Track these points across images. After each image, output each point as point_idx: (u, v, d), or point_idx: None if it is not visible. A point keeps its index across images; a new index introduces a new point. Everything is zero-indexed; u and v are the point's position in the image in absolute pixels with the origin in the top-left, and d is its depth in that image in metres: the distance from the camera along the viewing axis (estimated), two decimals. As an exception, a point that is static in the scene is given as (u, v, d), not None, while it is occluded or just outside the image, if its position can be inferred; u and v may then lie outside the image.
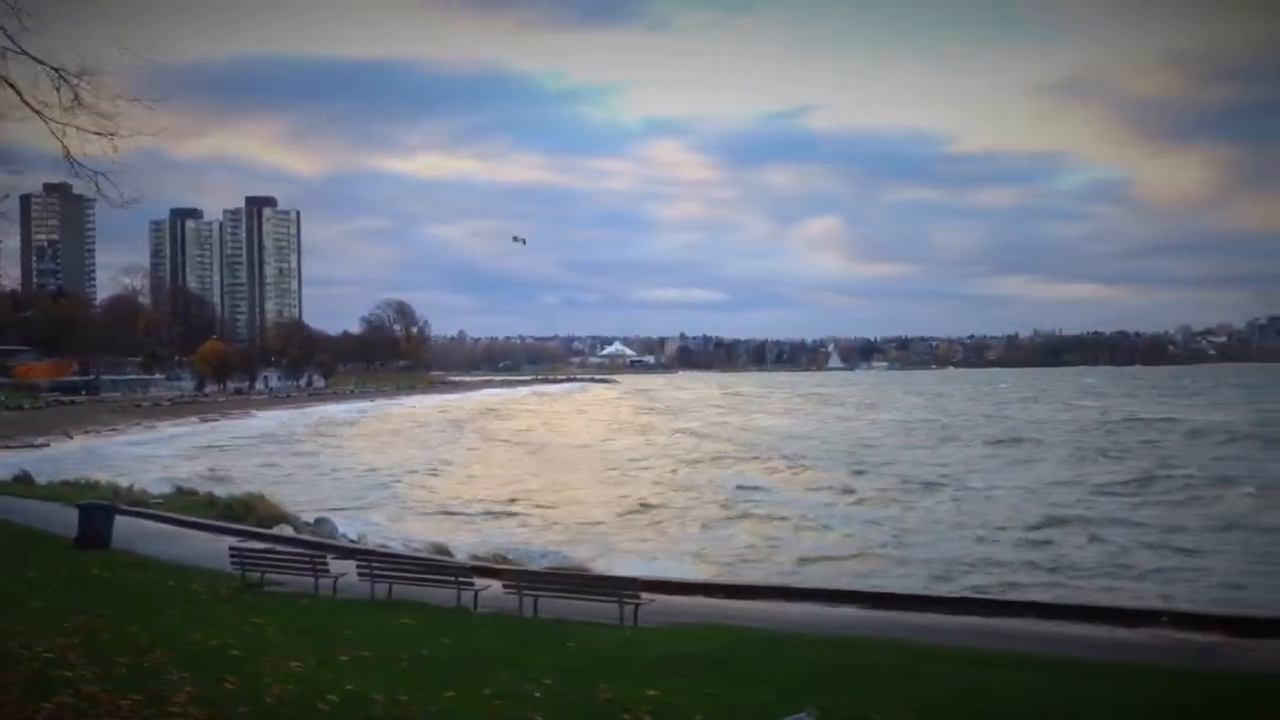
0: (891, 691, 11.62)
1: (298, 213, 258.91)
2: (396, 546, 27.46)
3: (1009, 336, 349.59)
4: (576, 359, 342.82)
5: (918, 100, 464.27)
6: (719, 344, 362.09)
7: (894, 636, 15.75)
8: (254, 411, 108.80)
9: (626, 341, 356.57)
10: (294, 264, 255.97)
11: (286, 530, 28.39)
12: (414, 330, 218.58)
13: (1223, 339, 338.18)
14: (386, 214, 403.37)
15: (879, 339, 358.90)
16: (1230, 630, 16.52)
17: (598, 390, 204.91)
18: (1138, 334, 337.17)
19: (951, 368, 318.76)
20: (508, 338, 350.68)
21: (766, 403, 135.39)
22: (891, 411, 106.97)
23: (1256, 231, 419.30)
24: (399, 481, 48.48)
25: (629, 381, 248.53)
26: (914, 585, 23.81)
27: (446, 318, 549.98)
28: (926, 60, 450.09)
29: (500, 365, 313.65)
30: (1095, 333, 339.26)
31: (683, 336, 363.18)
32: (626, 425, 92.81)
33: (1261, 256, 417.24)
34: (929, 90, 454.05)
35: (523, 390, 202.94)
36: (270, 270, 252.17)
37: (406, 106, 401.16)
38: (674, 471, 52.21)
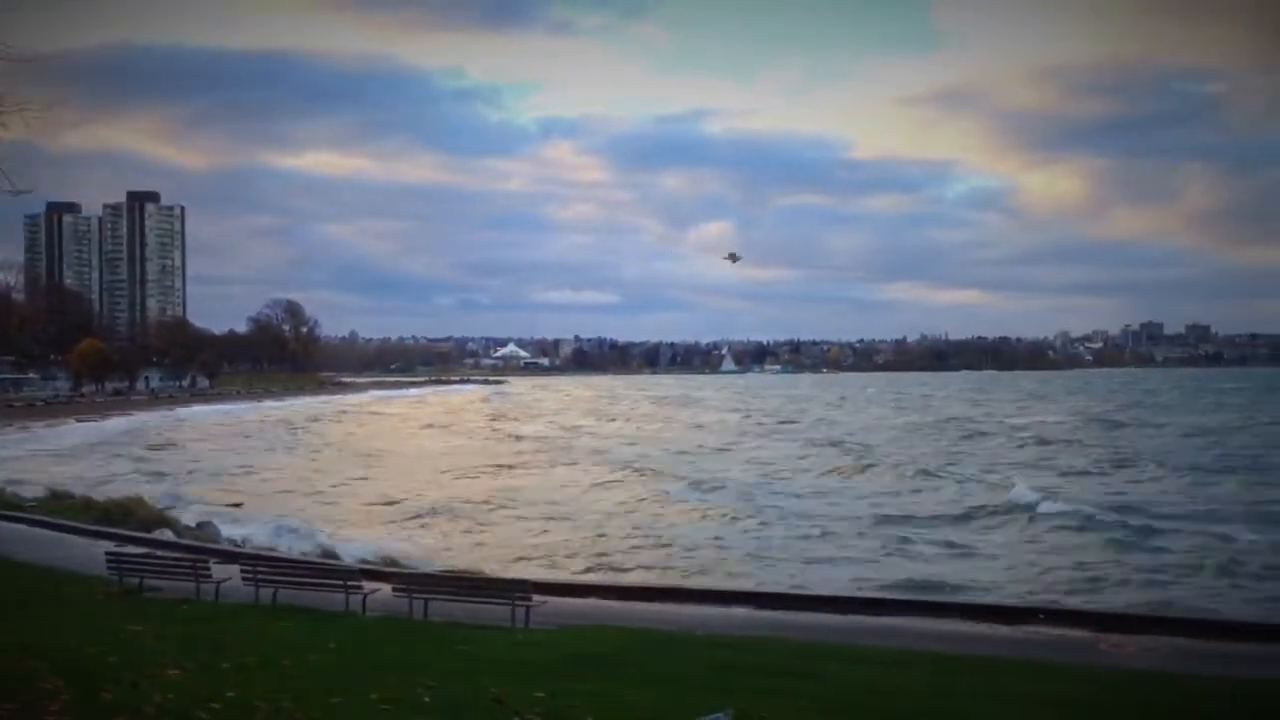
0: (783, 690, 11.78)
1: (182, 208, 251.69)
2: (282, 550, 26.92)
3: (897, 341, 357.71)
4: (470, 361, 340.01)
5: (808, 108, 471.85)
6: (613, 346, 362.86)
7: (784, 636, 16.01)
8: (132, 412, 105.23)
9: (521, 343, 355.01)
10: (178, 261, 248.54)
11: (167, 534, 27.60)
12: (303, 330, 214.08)
13: (1099, 345, 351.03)
14: (278, 212, 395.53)
15: (771, 342, 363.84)
16: (1100, 626, 17.18)
17: (472, 392, 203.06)
18: (1019, 339, 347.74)
19: (841, 371, 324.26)
20: (401, 339, 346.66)
21: (633, 407, 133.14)
22: (740, 414, 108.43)
23: (1129, 241, 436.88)
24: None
25: (521, 384, 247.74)
26: (801, 585, 24.18)
27: (338, 318, 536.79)
28: (818, 68, 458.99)
29: (392, 367, 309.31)
30: (979, 338, 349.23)
31: (577, 339, 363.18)
32: (475, 430, 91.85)
33: (1134, 265, 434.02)
34: (820, 98, 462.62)
35: (414, 391, 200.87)
36: (153, 267, 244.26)
37: (297, 102, 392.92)
38: (467, 474, 52.64)
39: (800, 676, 12.65)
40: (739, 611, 18.91)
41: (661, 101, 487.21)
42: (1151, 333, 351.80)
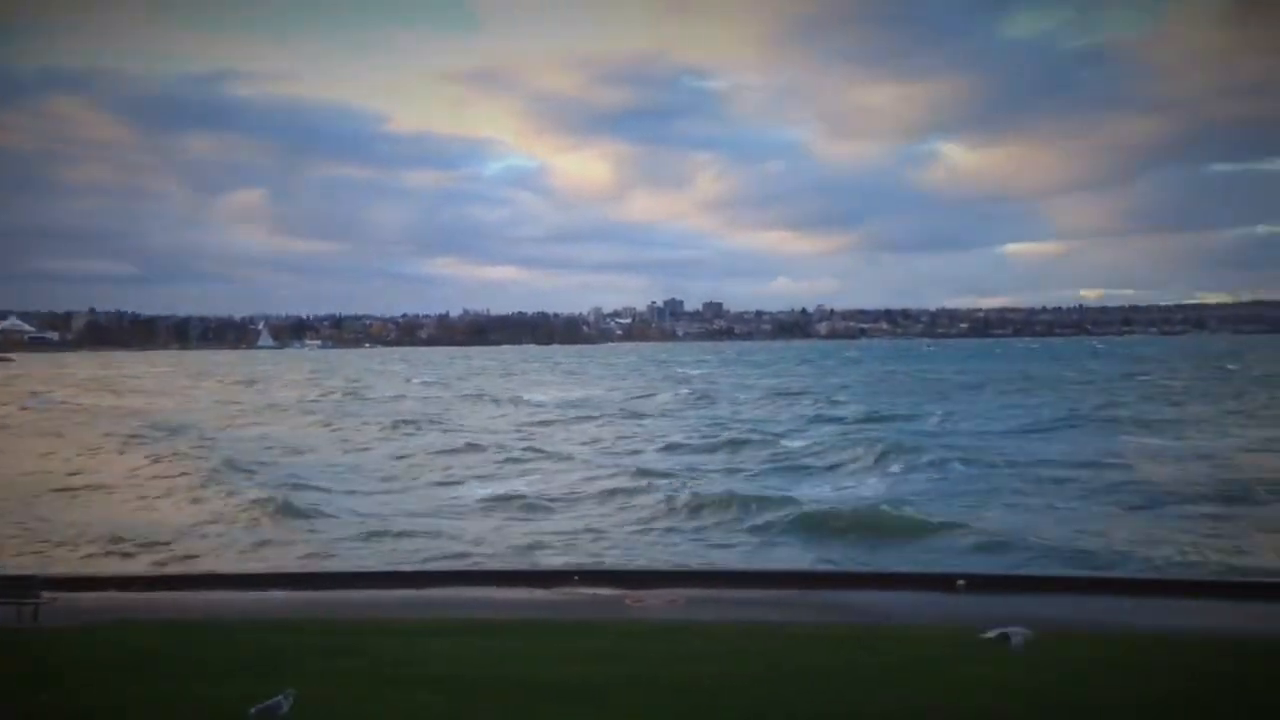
0: (336, 670, 11.64)
1: None
2: None
3: (440, 315, 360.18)
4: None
5: (346, 77, 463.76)
6: (135, 320, 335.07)
7: (329, 616, 15.80)
8: None
9: (24, 316, 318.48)
10: None
11: None
12: None
13: (628, 320, 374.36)
14: None
15: (312, 317, 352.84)
16: (623, 584, 18.58)
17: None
18: (556, 315, 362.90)
19: (386, 346, 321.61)
20: None
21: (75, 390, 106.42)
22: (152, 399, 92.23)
23: (650, 223, 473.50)
24: None
25: (25, 362, 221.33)
26: (346, 564, 23.98)
27: None
28: (355, 37, 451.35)
29: None
30: (519, 313, 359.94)
31: (93, 311, 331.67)
32: None
33: (655, 246, 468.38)
34: (358, 68, 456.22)
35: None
36: None
37: None
38: None
39: (351, 654, 12.53)
40: (277, 595, 18.42)
41: (185, 58, 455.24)
42: (674, 309, 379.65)
